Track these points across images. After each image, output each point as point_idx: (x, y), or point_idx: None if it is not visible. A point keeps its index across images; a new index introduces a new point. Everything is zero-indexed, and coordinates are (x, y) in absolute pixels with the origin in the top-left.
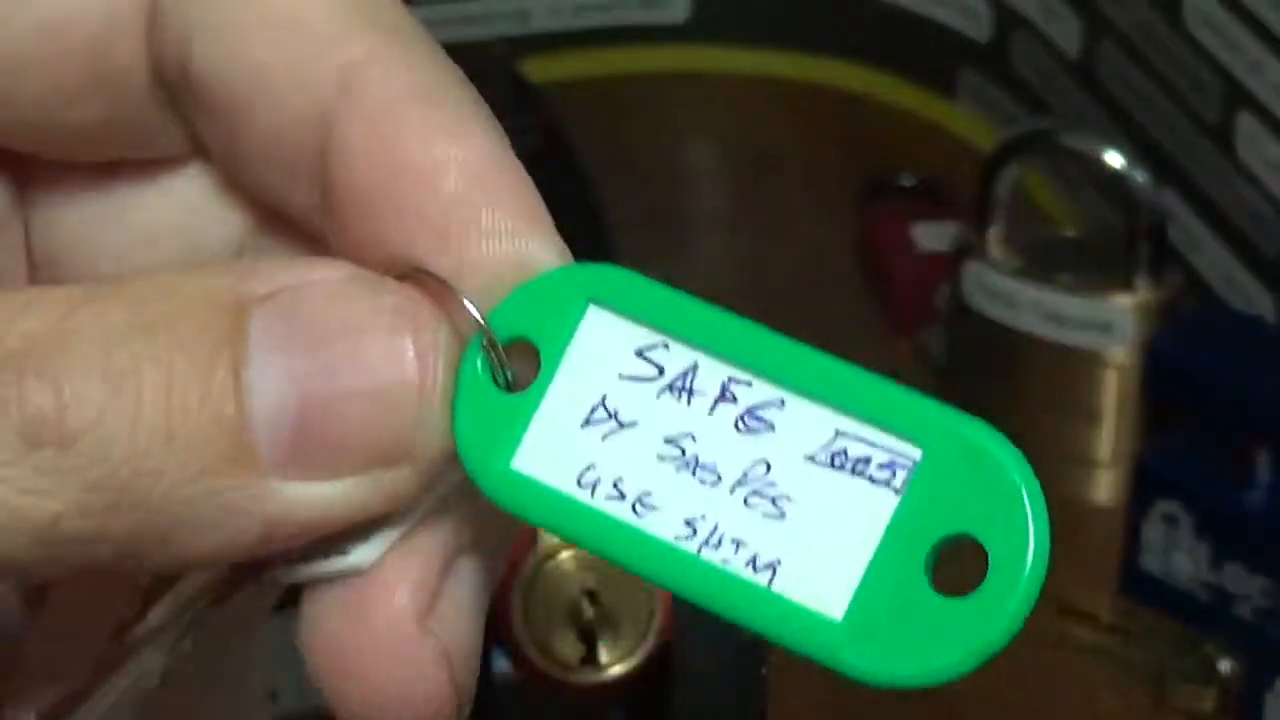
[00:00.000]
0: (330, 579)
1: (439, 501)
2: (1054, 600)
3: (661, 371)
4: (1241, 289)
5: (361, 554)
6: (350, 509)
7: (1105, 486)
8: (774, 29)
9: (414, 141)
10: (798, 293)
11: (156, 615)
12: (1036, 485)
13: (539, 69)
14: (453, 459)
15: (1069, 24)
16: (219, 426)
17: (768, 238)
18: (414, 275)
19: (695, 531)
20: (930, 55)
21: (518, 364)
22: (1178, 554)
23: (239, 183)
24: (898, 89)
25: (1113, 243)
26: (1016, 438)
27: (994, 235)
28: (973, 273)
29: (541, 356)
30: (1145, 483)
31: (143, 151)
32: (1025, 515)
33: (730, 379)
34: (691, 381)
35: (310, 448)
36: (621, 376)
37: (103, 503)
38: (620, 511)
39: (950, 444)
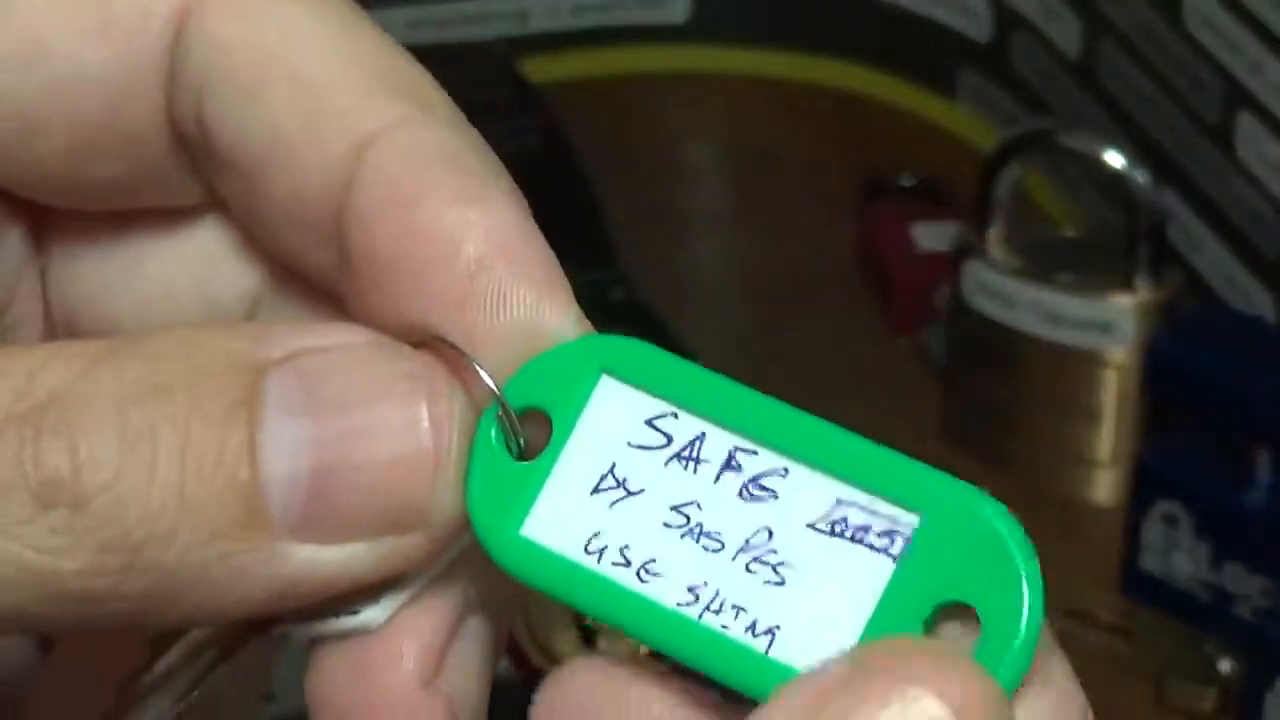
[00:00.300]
0: (339, 637)
1: (450, 563)
2: (1054, 600)
3: (670, 440)
4: (1241, 289)
5: (371, 614)
6: (362, 573)
7: (1105, 486)
8: (774, 29)
9: (432, 207)
10: (798, 293)
11: (164, 665)
12: (1032, 553)
13: (539, 69)
14: (464, 523)
15: (1069, 24)
16: (233, 490)
17: (768, 238)
18: (431, 343)
19: (697, 598)
20: (930, 55)
21: (530, 432)
22: (1178, 554)
23: (256, 239)
24: (898, 89)
25: (1113, 243)
26: (1017, 438)
27: (994, 235)
28: (973, 273)
29: (554, 425)
30: (1145, 483)
31: (161, 202)
32: (1019, 584)
33: (736, 448)
34: (699, 450)
35: (323, 513)
36: (631, 445)
37: (117, 563)
38: (625, 578)
39: (947, 511)
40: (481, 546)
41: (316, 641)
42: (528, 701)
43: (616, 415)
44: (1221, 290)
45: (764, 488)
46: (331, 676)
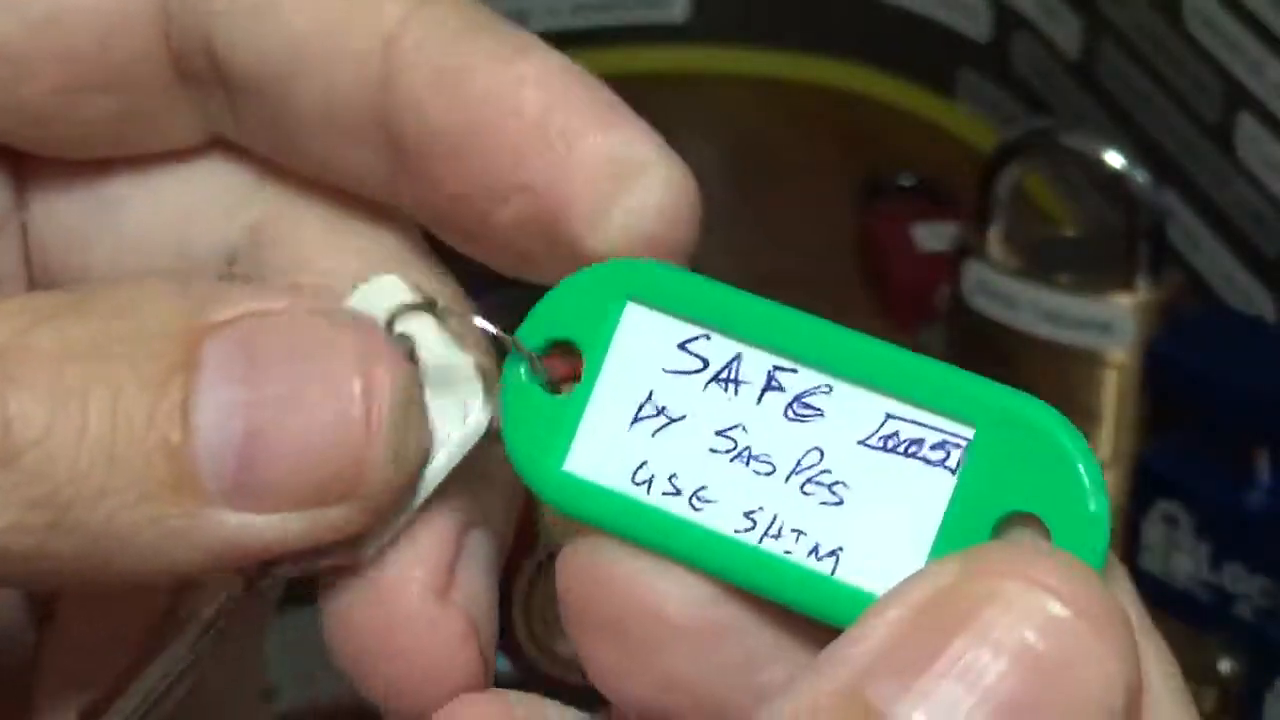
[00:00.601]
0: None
1: (397, 531)
2: None
3: (706, 364)
4: (1241, 289)
5: (351, 555)
6: (294, 541)
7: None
8: (774, 29)
9: (481, 71)
10: (798, 293)
11: (185, 611)
12: (1091, 456)
13: None
14: (400, 491)
15: (1069, 24)
16: (163, 452)
17: (768, 238)
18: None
19: (755, 524)
20: (930, 55)
21: (560, 366)
22: (1178, 554)
23: (283, 159)
24: (898, 89)
25: (1113, 243)
26: None
27: (994, 235)
28: (973, 273)
29: (585, 357)
30: (1145, 483)
31: (151, 146)
32: (1083, 488)
33: (775, 367)
34: (737, 372)
35: (253, 480)
36: (666, 371)
37: (43, 521)
38: (678, 507)
39: (1001, 420)
40: (527, 486)
41: (324, 583)
42: None
43: (647, 342)
44: (1221, 290)
45: (809, 407)
46: (347, 611)
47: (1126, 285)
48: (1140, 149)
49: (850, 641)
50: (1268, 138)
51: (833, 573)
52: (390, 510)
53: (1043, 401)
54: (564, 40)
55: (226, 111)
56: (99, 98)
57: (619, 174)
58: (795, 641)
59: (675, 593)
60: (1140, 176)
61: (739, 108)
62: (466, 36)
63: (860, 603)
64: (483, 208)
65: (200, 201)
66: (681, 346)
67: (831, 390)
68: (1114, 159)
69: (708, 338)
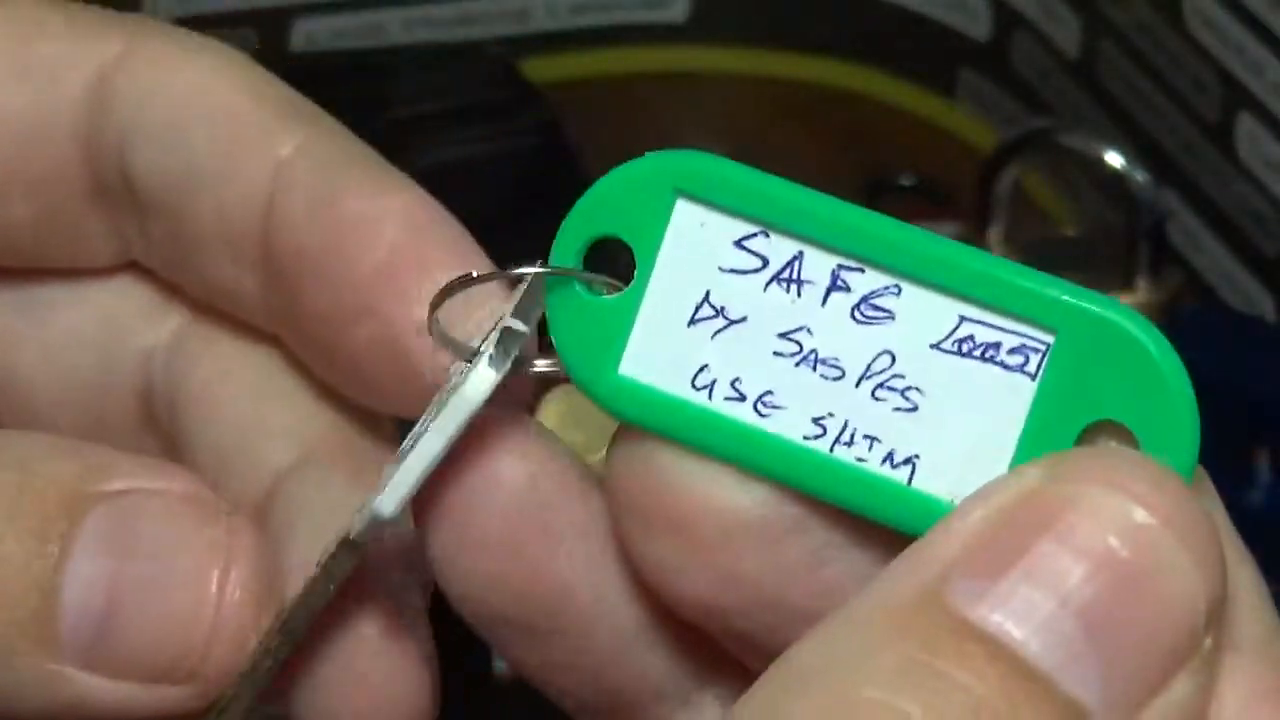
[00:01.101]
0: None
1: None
2: None
3: (765, 262)
4: (1241, 289)
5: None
6: (136, 710)
7: None
8: (774, 29)
9: (351, 201)
10: None
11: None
12: (1179, 363)
13: (539, 69)
14: (248, 676)
15: (1069, 24)
16: (28, 610)
17: None
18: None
19: (825, 430)
20: (930, 55)
21: (608, 265)
22: None
23: (181, 281)
24: (898, 89)
25: (1113, 243)
26: None
27: (994, 235)
28: None
29: (635, 254)
30: None
31: (67, 259)
32: (1170, 395)
33: (840, 266)
34: (798, 271)
35: (105, 648)
36: (722, 270)
37: None
38: (742, 413)
39: (1083, 325)
40: (582, 391)
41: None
42: (528, 701)
43: (700, 238)
44: (1221, 290)
45: (877, 308)
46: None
47: (1126, 285)
48: (1140, 149)
49: (930, 544)
50: (1268, 138)
51: (909, 481)
52: (228, 697)
53: (1126, 306)
54: (564, 40)
55: (137, 231)
56: (17, 205)
57: (464, 305)
58: (859, 539)
59: (739, 490)
60: (1140, 176)
61: (739, 108)
62: (345, 168)
63: (938, 511)
64: (337, 328)
65: (124, 310)
66: (738, 244)
67: (900, 292)
68: (1114, 159)
69: (765, 235)
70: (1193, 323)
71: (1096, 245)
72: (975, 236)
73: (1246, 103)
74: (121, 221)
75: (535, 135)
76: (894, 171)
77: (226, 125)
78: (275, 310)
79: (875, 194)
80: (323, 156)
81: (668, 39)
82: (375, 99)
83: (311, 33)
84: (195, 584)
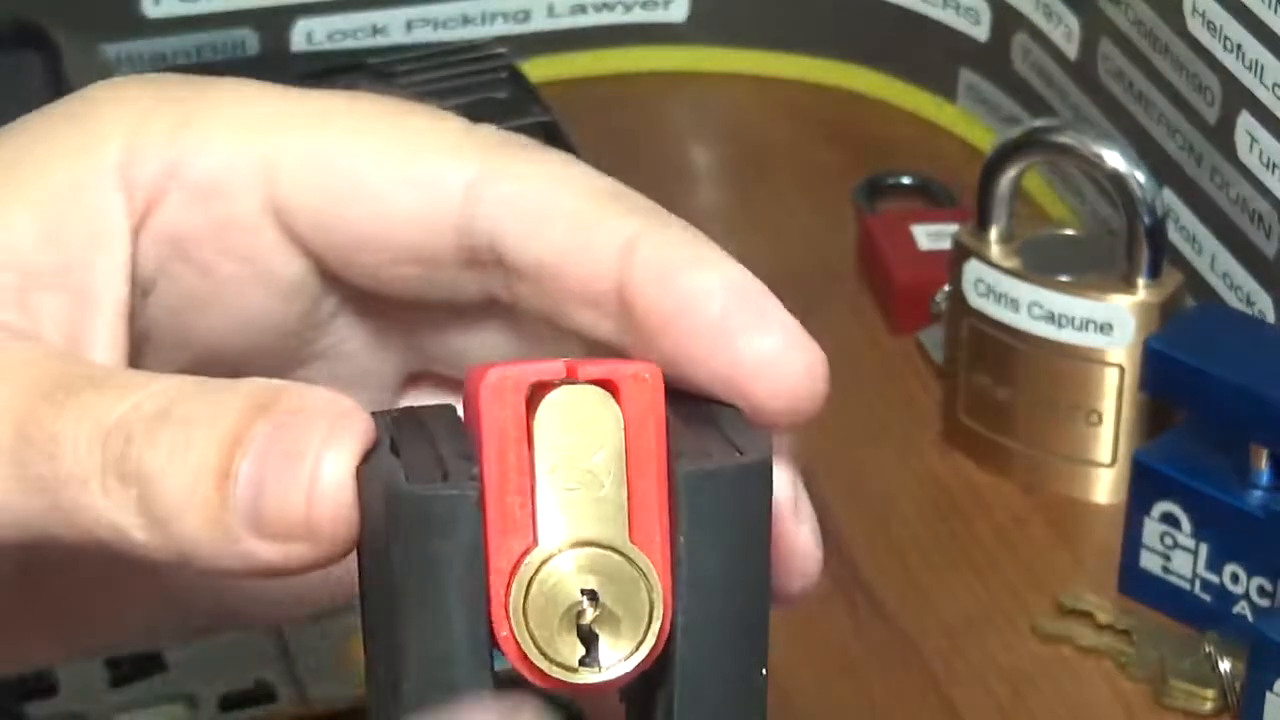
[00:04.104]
0: None
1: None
2: (1054, 600)
3: None
4: (1241, 289)
5: None
6: (281, 565)
7: (1105, 486)
8: (774, 29)
9: (686, 276)
10: (797, 292)
11: None
12: None
13: (539, 69)
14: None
15: (1069, 24)
16: (217, 484)
17: (767, 237)
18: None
19: None
20: (930, 55)
21: None
22: (1178, 554)
23: (552, 322)
24: (898, 89)
25: (1113, 243)
26: (1017, 438)
27: (994, 235)
28: (973, 273)
29: None
30: (1145, 483)
31: (446, 299)
32: None
33: None
34: None
35: (256, 517)
36: None
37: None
38: None
39: None
40: None
41: None
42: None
43: None
44: (1222, 290)
45: None
46: None
47: (1126, 285)
48: (1140, 149)
49: None
50: (1268, 138)
51: None
52: (341, 553)
53: None
54: (564, 40)
55: (502, 285)
56: (405, 267)
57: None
58: None
59: None
60: (1140, 176)
61: (739, 108)
62: (677, 248)
63: None
64: (685, 368)
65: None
66: None
67: None
68: (1114, 159)
69: None
70: (1193, 323)
71: (1096, 245)
72: (975, 236)
73: (1246, 103)
74: (489, 281)
75: (535, 135)
76: (894, 171)
77: (578, 221)
78: (631, 346)
79: (875, 194)
80: (658, 239)
81: (668, 39)
82: None
83: (312, 32)
84: (305, 473)
